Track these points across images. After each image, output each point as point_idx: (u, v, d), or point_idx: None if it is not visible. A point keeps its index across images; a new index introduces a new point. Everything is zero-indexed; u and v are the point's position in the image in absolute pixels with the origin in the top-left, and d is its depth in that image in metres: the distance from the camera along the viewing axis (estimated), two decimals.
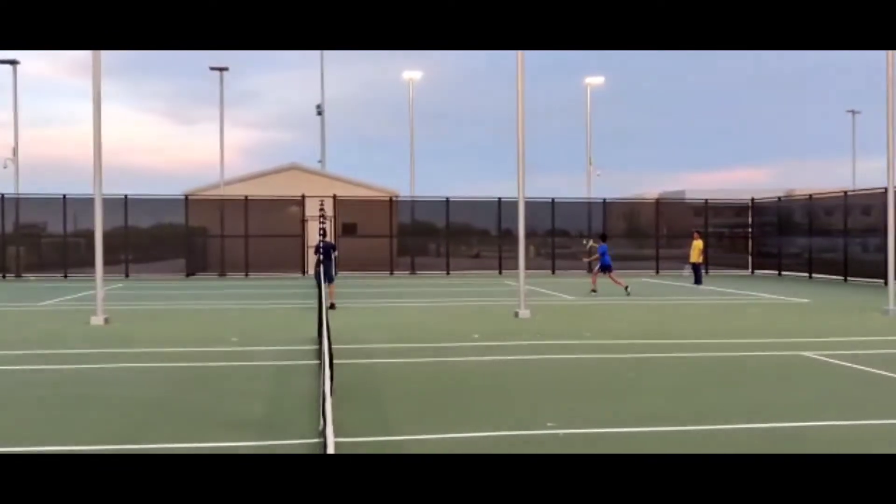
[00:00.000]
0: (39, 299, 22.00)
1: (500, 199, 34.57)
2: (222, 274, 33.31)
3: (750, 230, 37.90)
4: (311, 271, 25.41)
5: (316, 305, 14.48)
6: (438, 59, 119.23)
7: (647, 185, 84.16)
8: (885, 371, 10.89)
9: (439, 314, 18.52)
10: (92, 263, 18.19)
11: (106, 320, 16.12)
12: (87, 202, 21.64)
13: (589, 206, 36.90)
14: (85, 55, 30.16)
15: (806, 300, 21.97)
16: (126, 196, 32.23)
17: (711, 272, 33.93)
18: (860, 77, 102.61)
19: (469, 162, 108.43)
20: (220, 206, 34.21)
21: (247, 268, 33.02)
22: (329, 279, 18.27)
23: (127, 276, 31.90)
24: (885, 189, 19.06)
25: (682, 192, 57.03)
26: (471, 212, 36.33)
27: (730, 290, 25.38)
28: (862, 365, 11.29)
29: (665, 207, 40.02)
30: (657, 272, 34.72)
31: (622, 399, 9.16)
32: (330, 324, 9.62)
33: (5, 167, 37.51)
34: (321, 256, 18.35)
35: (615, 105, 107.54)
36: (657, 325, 16.38)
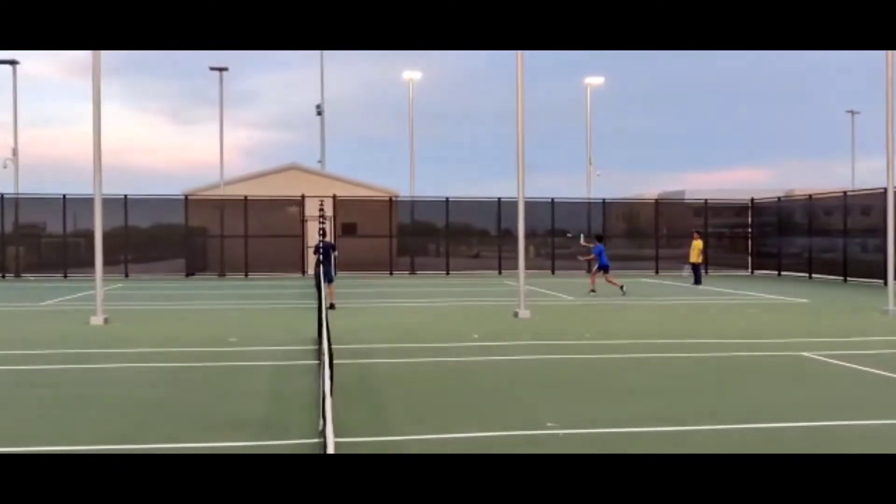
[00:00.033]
0: (39, 299, 22.00)
1: (499, 199, 34.57)
2: (222, 274, 33.29)
3: (750, 230, 37.90)
4: (311, 271, 25.41)
5: (316, 306, 14.48)
6: (438, 59, 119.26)
7: (646, 185, 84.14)
8: (885, 371, 10.90)
9: (439, 314, 18.51)
10: (91, 263, 18.20)
11: (105, 320, 16.12)
12: (87, 202, 21.61)
13: (589, 206, 36.91)
14: (85, 55, 30.24)
15: (805, 300, 21.98)
16: (126, 196, 32.23)
17: (711, 272, 33.94)
18: (860, 77, 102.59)
19: (469, 162, 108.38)
20: (220, 206, 34.22)
21: (246, 268, 33.00)
22: (329, 279, 18.28)
23: (127, 276, 31.89)
24: (885, 189, 19.08)
25: (682, 192, 56.95)
26: (470, 212, 36.33)
27: (729, 291, 25.39)
28: (861, 365, 11.29)
29: (665, 207, 40.02)
30: (657, 272, 34.71)
31: (622, 399, 9.16)
32: (330, 324, 9.63)
33: (5, 167, 37.53)
34: (321, 257, 18.33)
35: (615, 105, 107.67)
36: (657, 325, 16.38)
